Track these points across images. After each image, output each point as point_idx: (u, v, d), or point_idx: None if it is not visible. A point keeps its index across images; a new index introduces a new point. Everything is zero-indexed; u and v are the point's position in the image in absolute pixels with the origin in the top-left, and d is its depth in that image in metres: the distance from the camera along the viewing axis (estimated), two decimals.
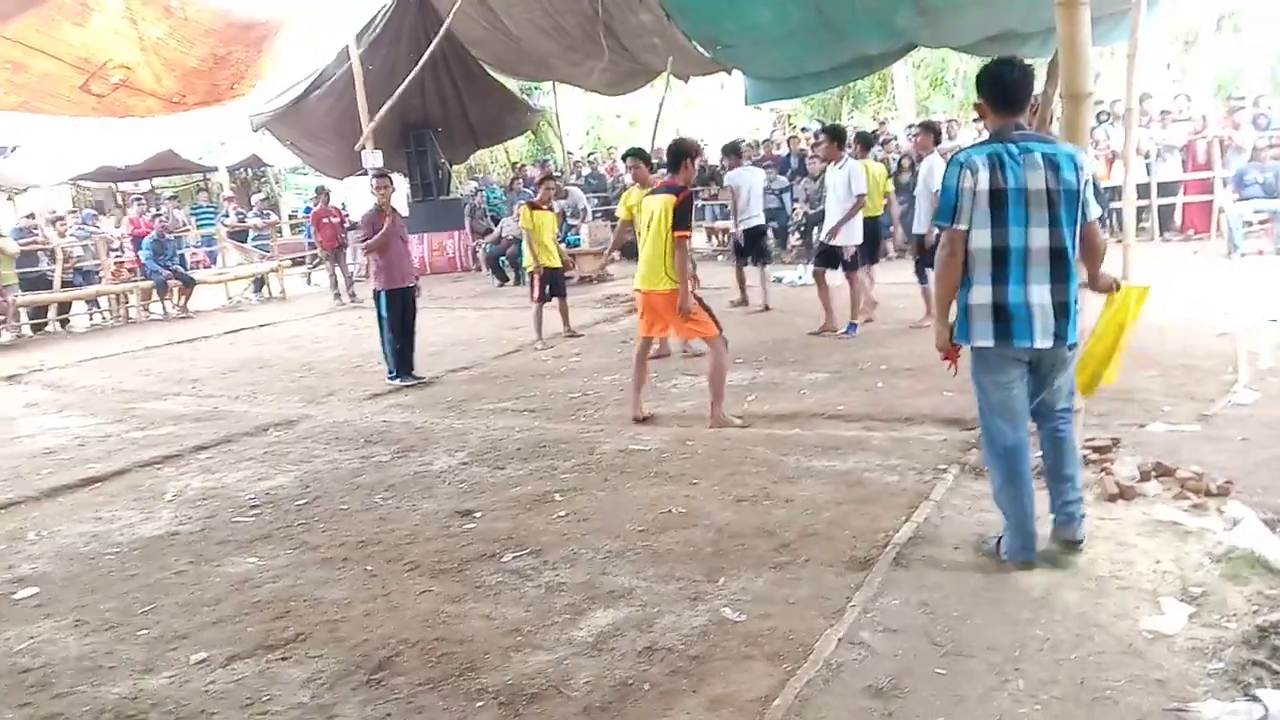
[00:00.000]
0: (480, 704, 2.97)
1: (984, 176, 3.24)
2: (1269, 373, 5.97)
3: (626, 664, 3.13)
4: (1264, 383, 5.76)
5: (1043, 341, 3.29)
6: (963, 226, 3.29)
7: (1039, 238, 3.26)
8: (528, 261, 9.42)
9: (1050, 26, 12.21)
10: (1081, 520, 3.56)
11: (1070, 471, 3.54)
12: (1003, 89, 3.37)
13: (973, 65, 21.66)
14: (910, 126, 16.17)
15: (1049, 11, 12.83)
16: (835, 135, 8.59)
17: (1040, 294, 3.28)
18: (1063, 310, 3.30)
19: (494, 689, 3.05)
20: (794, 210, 14.39)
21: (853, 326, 8.39)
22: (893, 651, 3.05)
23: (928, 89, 22.54)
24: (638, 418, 6.11)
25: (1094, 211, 3.34)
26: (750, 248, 10.09)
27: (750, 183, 10.13)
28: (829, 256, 8.54)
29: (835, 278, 8.62)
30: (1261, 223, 11.58)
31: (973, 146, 3.37)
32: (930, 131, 8.70)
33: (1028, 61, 3.47)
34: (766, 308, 9.93)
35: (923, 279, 8.23)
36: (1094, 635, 3.03)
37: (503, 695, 3.01)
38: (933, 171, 8.05)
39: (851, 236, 8.36)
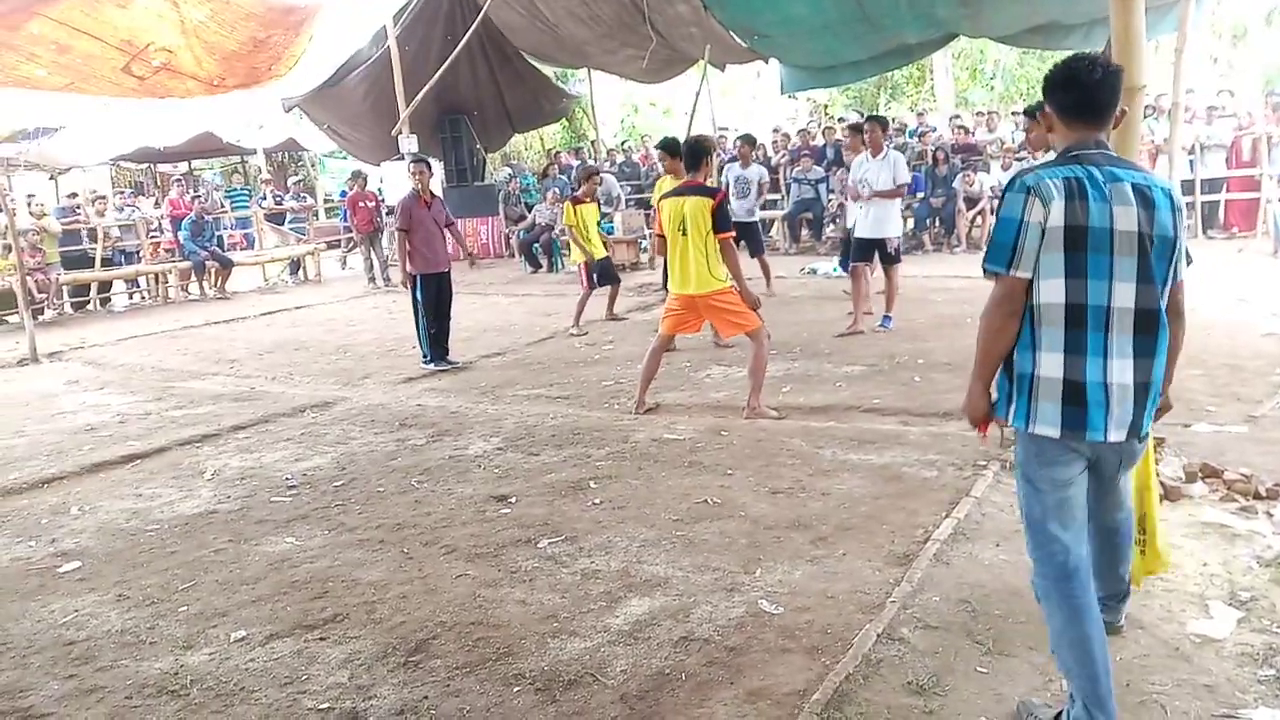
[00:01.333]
0: (517, 689, 2.98)
1: (1058, 208, 2.38)
2: None
3: (663, 653, 3.12)
4: None
5: (1116, 434, 2.44)
6: (1024, 275, 2.43)
7: (1124, 295, 2.41)
8: (576, 257, 9.49)
9: (1094, 19, 12.11)
10: (1126, 601, 2.97)
11: (1124, 570, 2.88)
12: (1081, 94, 2.50)
13: (1012, 57, 21.44)
14: (955, 119, 16.00)
15: (1092, 4, 12.65)
16: (882, 125, 8.46)
17: (1122, 370, 2.43)
18: (1144, 393, 2.47)
19: (531, 674, 3.05)
20: (829, 201, 14.28)
21: (887, 319, 8.31)
22: (933, 649, 3.01)
23: (967, 80, 22.25)
24: (640, 410, 6.11)
25: (1184, 268, 2.57)
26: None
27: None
28: (868, 250, 8.42)
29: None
30: None
31: (1043, 166, 2.48)
32: (857, 133, 8.88)
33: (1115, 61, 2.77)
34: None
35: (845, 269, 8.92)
36: (1139, 638, 2.98)
37: (539, 681, 3.01)
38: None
39: (892, 228, 8.25)
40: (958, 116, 16.21)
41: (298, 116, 20.62)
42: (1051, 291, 2.42)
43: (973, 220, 13.54)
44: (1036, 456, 2.53)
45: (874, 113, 11.88)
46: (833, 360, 7.25)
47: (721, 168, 11.52)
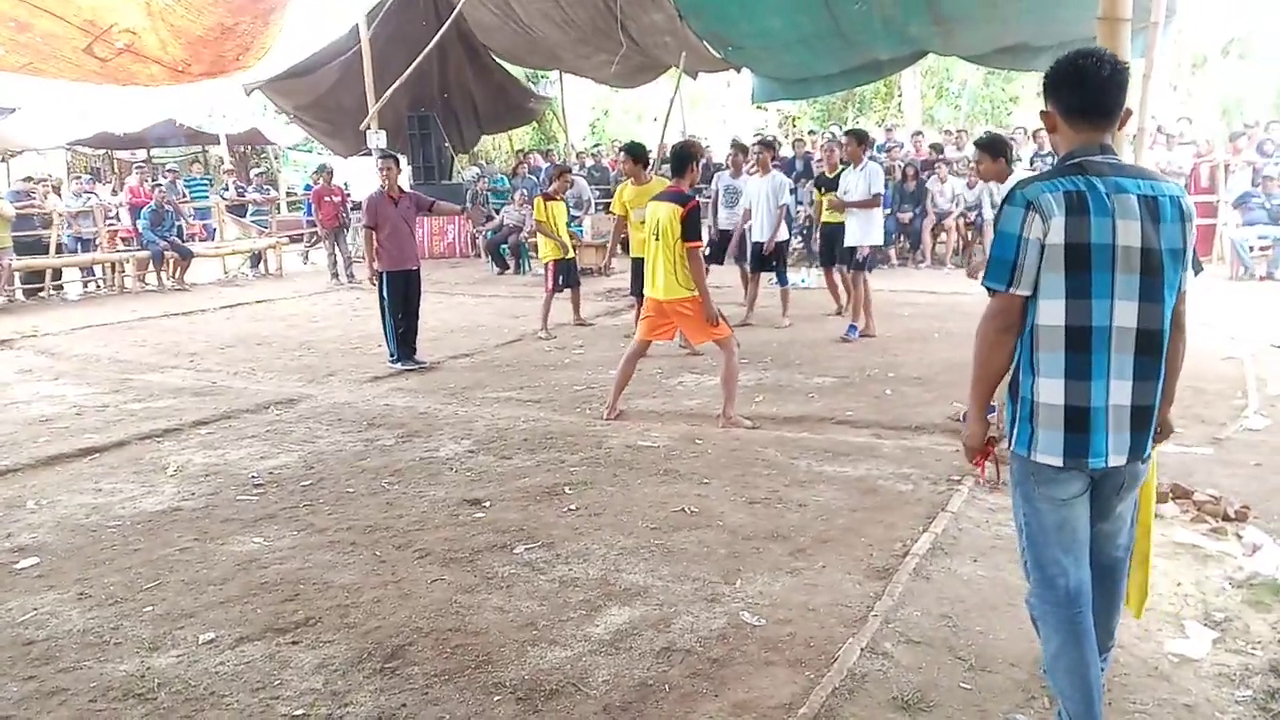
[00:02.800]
0: (498, 698, 2.92)
1: (1058, 225, 2.23)
2: (1278, 399, 5.98)
3: (645, 664, 3.09)
4: (1274, 409, 5.78)
5: (1116, 459, 2.33)
6: (1023, 292, 2.31)
7: (1126, 315, 2.27)
8: (545, 253, 9.40)
9: (1063, 41, 12.30)
10: (1109, 654, 2.71)
11: (1115, 623, 2.65)
12: (1089, 93, 2.32)
13: (978, 77, 21.76)
14: (917, 135, 16.18)
15: (1061, 26, 12.85)
16: (860, 138, 8.54)
17: (1121, 392, 2.30)
18: (1144, 415, 2.35)
19: (511, 683, 3.00)
20: (798, 214, 14.35)
21: (852, 328, 8.37)
22: (917, 664, 3.02)
23: (933, 98, 22.55)
24: (612, 416, 6.09)
25: (1190, 278, 2.42)
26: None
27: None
28: (843, 254, 8.51)
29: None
30: (1263, 249, 11.63)
31: (1043, 178, 2.31)
32: (742, 152, 9.58)
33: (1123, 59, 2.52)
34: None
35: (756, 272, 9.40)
36: (1119, 656, 3.00)
37: (520, 690, 2.96)
38: (782, 187, 8.95)
39: (870, 236, 8.32)
40: (919, 133, 16.39)
41: (262, 109, 20.34)
42: (1051, 313, 2.29)
43: (936, 238, 13.69)
44: (1034, 475, 2.40)
45: (854, 128, 11.89)
46: (804, 371, 7.27)
47: (711, 176, 11.48)
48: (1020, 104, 20.79)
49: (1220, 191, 12.43)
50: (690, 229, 5.71)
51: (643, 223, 6.51)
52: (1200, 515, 4.04)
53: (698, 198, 6.00)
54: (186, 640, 3.34)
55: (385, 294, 7.93)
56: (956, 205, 13.28)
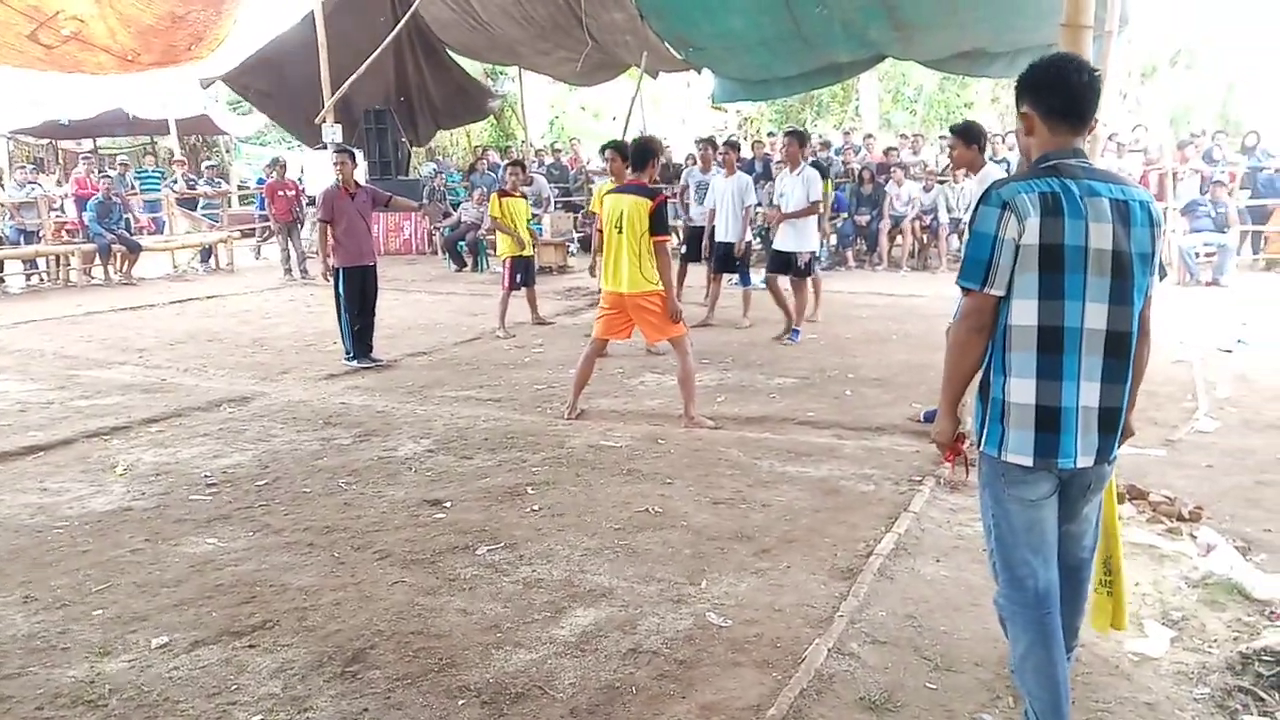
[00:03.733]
0: (462, 701, 2.88)
1: (1033, 225, 2.26)
2: (1226, 402, 6.12)
3: (611, 666, 3.06)
4: (1222, 411, 5.91)
5: (1084, 459, 2.36)
6: (997, 292, 2.32)
7: (1096, 317, 2.31)
8: (503, 249, 9.29)
9: (1018, 48, 12.48)
10: (1073, 654, 2.71)
11: (1079, 622, 2.67)
12: (1070, 96, 2.36)
13: (933, 83, 22.03)
14: (869, 137, 16.34)
15: (1017, 34, 13.08)
16: (801, 139, 8.54)
17: (1089, 394, 2.33)
18: (1111, 417, 2.38)
19: (476, 686, 2.95)
20: (757, 215, 14.39)
21: (795, 332, 8.38)
22: (883, 664, 3.02)
23: (890, 102, 22.79)
24: (572, 415, 6.06)
25: (1157, 282, 2.46)
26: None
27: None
28: (782, 263, 8.44)
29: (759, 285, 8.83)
30: (1209, 255, 11.91)
31: (1018, 178, 2.35)
32: (712, 147, 9.74)
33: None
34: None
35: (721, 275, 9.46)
36: (1081, 655, 3.03)
37: (485, 693, 2.91)
38: (747, 188, 8.92)
39: (806, 242, 8.34)
40: (871, 136, 16.55)
41: (214, 99, 19.91)
42: (1024, 313, 2.31)
43: (893, 241, 13.83)
44: (1003, 475, 2.42)
45: (793, 127, 11.84)
46: (765, 372, 7.29)
47: (672, 176, 11.45)
48: (975, 109, 21.09)
49: (1168, 199, 12.70)
50: (658, 223, 5.68)
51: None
52: (1156, 516, 4.11)
53: (664, 192, 5.97)
54: (139, 644, 3.25)
55: (341, 290, 7.80)
56: (912, 209, 13.42)
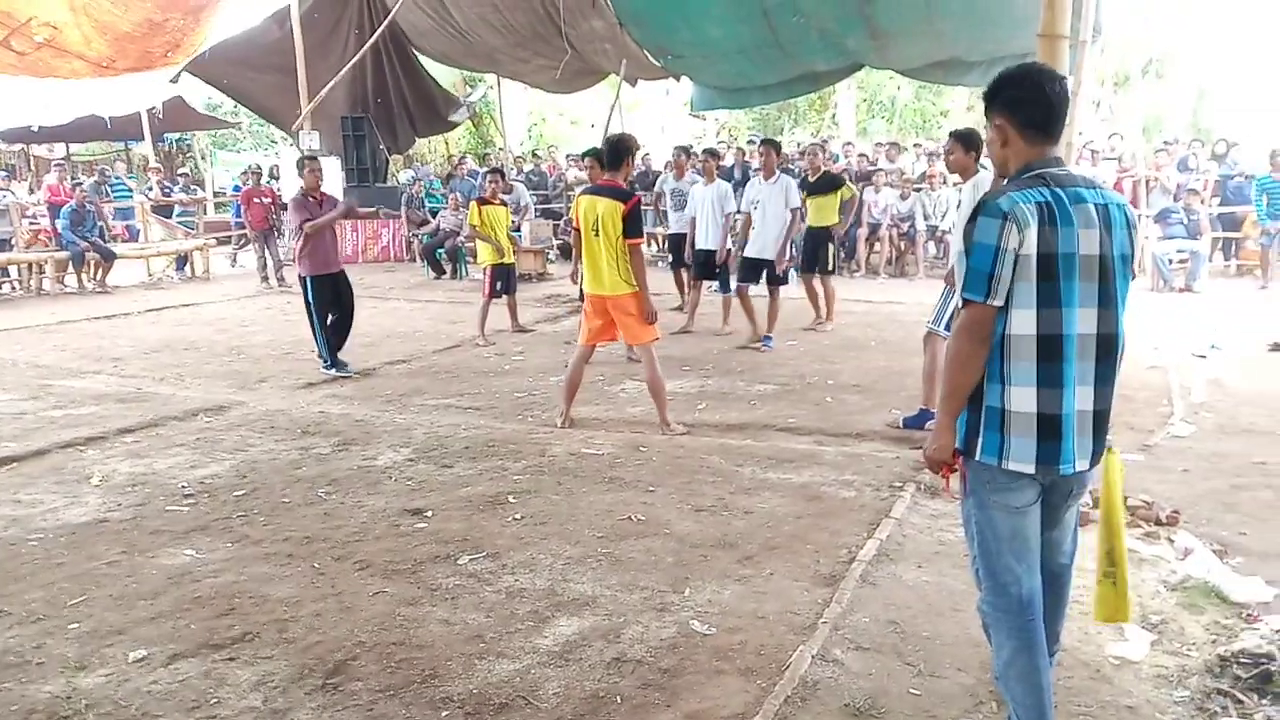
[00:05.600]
0: (445, 713, 2.86)
1: (1032, 235, 2.26)
2: (1201, 407, 6.20)
3: (595, 675, 3.05)
4: (1197, 416, 5.98)
5: (1081, 464, 2.39)
6: (998, 303, 2.31)
7: (1087, 321, 2.34)
8: (483, 258, 9.27)
9: (994, 56, 12.59)
10: (1054, 658, 2.70)
11: (1060, 627, 2.70)
12: (1047, 107, 2.38)
13: (908, 92, 22.22)
14: (847, 145, 16.46)
15: (993, 43, 13.20)
16: (775, 147, 8.60)
17: (1084, 398, 2.36)
18: (1102, 422, 2.42)
19: (459, 697, 2.93)
20: (736, 221, 14.44)
21: (767, 339, 8.39)
22: (866, 670, 3.03)
23: (866, 111, 22.96)
24: (564, 423, 6.04)
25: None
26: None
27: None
28: (755, 270, 8.46)
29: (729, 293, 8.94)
30: (1181, 261, 12.06)
31: (1013, 188, 2.34)
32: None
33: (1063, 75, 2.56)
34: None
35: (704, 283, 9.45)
36: (1062, 659, 3.05)
37: (469, 704, 2.89)
38: (727, 195, 9.02)
39: (786, 249, 8.39)
40: (850, 144, 16.67)
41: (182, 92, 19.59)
42: (1023, 322, 2.31)
43: (871, 248, 13.91)
44: (989, 483, 2.42)
45: (768, 137, 11.89)
46: (744, 378, 7.30)
47: (652, 182, 11.48)
48: (950, 118, 21.27)
49: (1141, 206, 12.85)
50: (632, 226, 5.68)
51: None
52: (1134, 520, 4.14)
53: (638, 194, 5.98)
54: (116, 658, 3.20)
55: (311, 299, 7.74)
56: (887, 216, 13.50)
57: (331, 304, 7.79)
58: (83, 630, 3.41)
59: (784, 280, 8.44)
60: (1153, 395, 6.43)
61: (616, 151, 5.87)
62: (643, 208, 6.81)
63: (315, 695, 2.97)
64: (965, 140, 5.70)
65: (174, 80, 16.07)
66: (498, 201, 9.35)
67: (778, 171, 8.40)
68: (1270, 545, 4.00)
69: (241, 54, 15.33)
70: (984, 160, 5.43)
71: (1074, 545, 2.65)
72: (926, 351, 5.70)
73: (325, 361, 7.84)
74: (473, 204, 9.41)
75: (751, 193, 8.53)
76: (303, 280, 7.76)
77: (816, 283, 9.19)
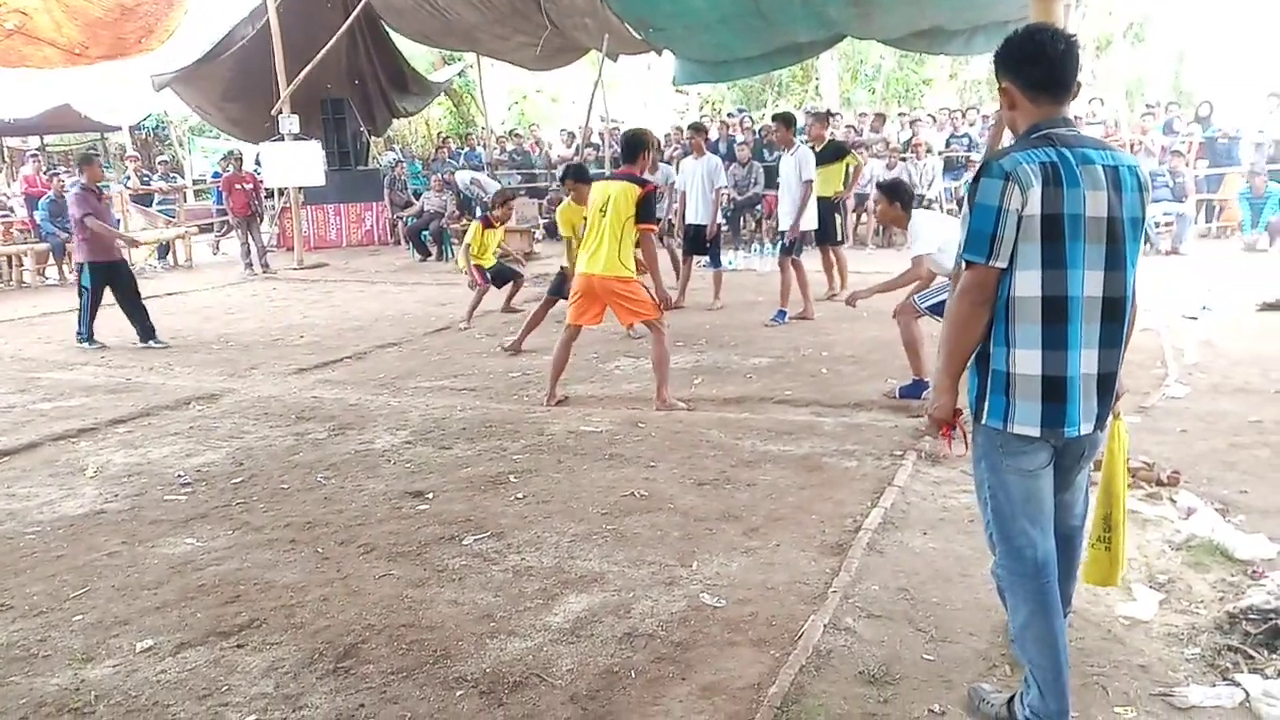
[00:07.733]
0: (460, 692, 2.84)
1: (1036, 195, 2.23)
2: (1195, 368, 6.22)
3: (608, 651, 3.04)
4: (1191, 377, 6.00)
5: (1086, 426, 2.37)
6: (1001, 265, 2.29)
7: (1094, 284, 2.30)
8: (461, 265, 9.24)
9: (975, 25, 12.54)
10: (1066, 619, 2.67)
11: (1071, 589, 2.73)
12: (1050, 67, 2.33)
13: (891, 61, 22.13)
14: (833, 114, 16.36)
15: (975, 12, 13.18)
16: (788, 121, 8.57)
17: (1089, 361, 2.34)
18: (1108, 382, 2.39)
19: (473, 677, 2.92)
20: (723, 196, 14.39)
21: (781, 314, 8.39)
22: (879, 638, 3.03)
23: (849, 81, 22.86)
24: (552, 402, 6.03)
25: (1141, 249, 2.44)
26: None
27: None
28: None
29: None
30: (1167, 225, 12.11)
31: (1017, 149, 2.31)
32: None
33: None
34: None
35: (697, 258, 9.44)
36: (1071, 620, 3.05)
37: (483, 683, 2.88)
38: (717, 170, 8.96)
39: (802, 220, 8.36)
40: (838, 114, 16.58)
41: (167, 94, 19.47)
42: (1027, 284, 2.29)
43: (858, 218, 13.88)
44: (1002, 446, 2.40)
45: (783, 112, 11.78)
46: (740, 352, 7.29)
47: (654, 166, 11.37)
48: (933, 86, 21.22)
49: None
50: (645, 212, 5.64)
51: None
52: (1135, 482, 4.15)
53: (653, 182, 5.97)
54: (122, 649, 3.17)
55: (89, 283, 8.63)
56: (873, 186, 13.45)
57: (110, 288, 8.67)
58: (87, 622, 3.37)
59: (793, 251, 8.39)
60: (1146, 358, 6.45)
61: (632, 145, 5.85)
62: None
63: (327, 679, 2.95)
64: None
65: (159, 89, 15.86)
66: (499, 225, 9.20)
67: (797, 142, 8.39)
68: (1271, 502, 4.02)
69: (217, 70, 15.39)
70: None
71: (1085, 507, 2.64)
72: (900, 324, 5.76)
73: (80, 335, 8.68)
74: (475, 225, 9.16)
75: (781, 168, 8.51)
76: (79, 266, 8.67)
77: (832, 255, 9.24)
